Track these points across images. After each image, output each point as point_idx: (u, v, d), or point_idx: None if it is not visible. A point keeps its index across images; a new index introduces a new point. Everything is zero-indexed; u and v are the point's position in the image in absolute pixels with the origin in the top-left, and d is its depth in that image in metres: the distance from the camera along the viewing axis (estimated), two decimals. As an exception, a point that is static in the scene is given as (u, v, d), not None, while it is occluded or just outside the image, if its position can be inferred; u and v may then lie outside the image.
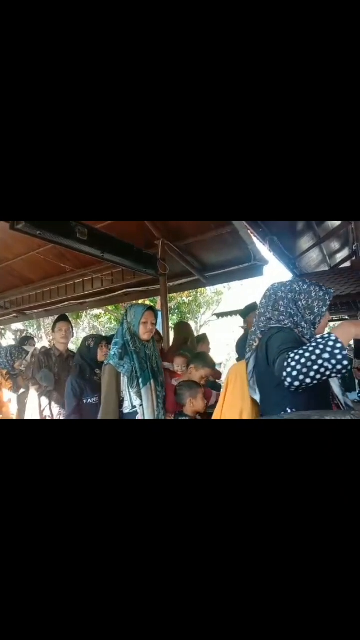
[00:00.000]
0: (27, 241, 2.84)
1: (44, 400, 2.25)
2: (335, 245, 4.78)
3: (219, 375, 2.75)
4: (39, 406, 2.21)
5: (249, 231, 2.86)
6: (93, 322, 10.39)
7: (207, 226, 2.79)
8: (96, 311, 9.68)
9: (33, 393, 2.24)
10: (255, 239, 3.03)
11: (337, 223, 3.74)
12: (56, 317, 2.48)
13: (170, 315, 8.15)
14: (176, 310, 8.94)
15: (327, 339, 0.85)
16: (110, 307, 8.56)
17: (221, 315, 5.62)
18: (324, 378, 0.86)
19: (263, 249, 3.24)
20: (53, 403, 2.27)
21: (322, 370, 0.83)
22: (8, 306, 4.43)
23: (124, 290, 3.77)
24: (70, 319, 2.52)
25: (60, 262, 3.40)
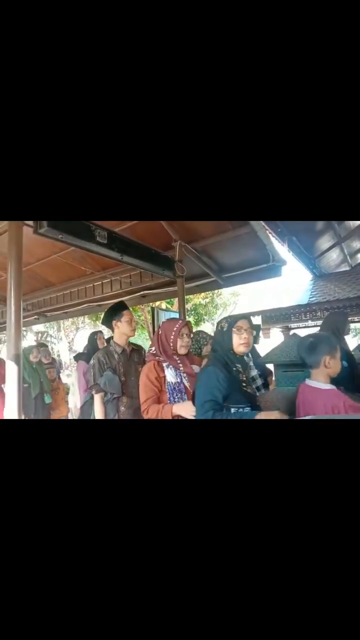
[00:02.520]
0: (49, 245, 2.94)
1: (111, 409, 1.84)
2: (356, 244, 4.65)
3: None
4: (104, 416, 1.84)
5: (267, 231, 2.84)
6: (111, 323, 10.53)
7: (225, 227, 2.79)
8: (114, 313, 9.78)
9: (98, 402, 1.86)
10: (273, 239, 3.00)
11: (358, 222, 3.65)
12: (112, 307, 1.96)
13: (187, 316, 8.16)
14: (193, 312, 8.94)
15: None
16: (127, 309, 8.63)
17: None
18: None
19: (281, 249, 3.20)
20: (123, 410, 1.84)
21: None
22: (30, 308, 4.57)
23: (142, 292, 3.82)
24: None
25: (80, 265, 3.48)
